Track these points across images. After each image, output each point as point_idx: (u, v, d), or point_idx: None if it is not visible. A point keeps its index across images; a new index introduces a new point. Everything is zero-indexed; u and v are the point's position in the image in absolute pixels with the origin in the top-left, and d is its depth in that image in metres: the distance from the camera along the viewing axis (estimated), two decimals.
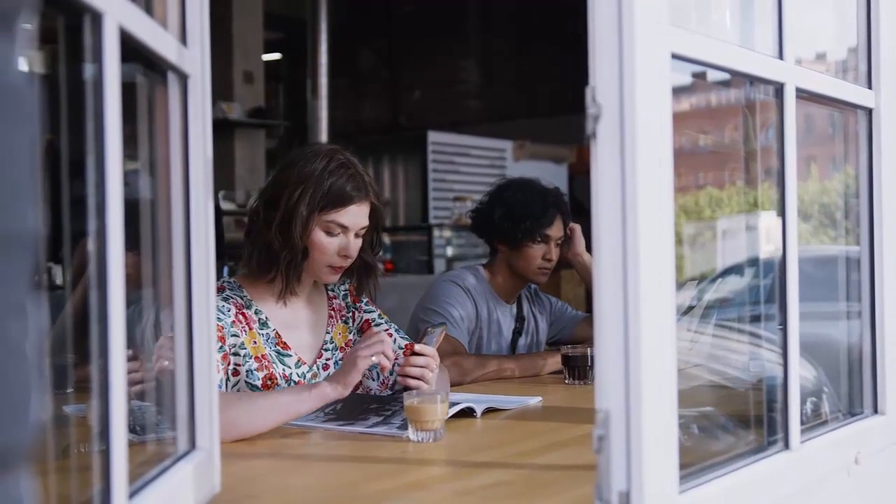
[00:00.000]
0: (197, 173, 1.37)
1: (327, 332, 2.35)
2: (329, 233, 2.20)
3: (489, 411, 2.18)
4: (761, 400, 1.68)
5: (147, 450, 1.40)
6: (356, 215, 2.22)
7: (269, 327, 2.23)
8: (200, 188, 1.37)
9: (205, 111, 1.39)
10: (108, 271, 1.01)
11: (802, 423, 1.56)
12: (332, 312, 2.39)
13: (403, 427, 1.91)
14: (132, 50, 1.12)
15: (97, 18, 1.00)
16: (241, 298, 2.23)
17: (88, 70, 1.02)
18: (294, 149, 2.32)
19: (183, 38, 1.35)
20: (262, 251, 2.21)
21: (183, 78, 1.35)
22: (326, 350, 2.34)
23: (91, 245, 1.01)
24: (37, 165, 0.59)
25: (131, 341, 1.08)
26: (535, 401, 2.35)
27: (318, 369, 2.29)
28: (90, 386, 1.08)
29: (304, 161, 2.20)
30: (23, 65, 0.59)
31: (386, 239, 7.76)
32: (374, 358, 1.98)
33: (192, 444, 1.37)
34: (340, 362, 2.30)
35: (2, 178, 0.56)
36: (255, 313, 2.23)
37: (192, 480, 1.31)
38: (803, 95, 1.59)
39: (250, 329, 2.19)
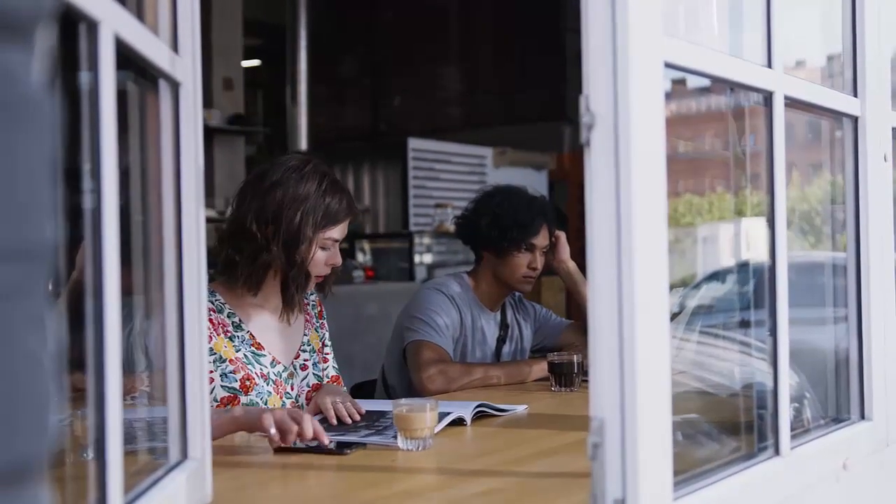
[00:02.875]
0: (189, 181, 1.36)
1: (304, 335, 2.43)
2: (324, 248, 2.30)
3: (479, 417, 2.18)
4: (750, 406, 1.69)
5: (138, 459, 1.39)
6: (345, 228, 2.34)
7: (243, 329, 2.29)
8: (192, 196, 1.37)
9: (196, 119, 1.38)
10: (104, 279, 1.00)
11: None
12: (308, 317, 2.47)
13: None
14: (124, 57, 1.11)
15: (93, 27, 0.99)
16: (213, 303, 2.26)
17: (83, 78, 1.02)
18: (271, 162, 2.33)
19: (175, 46, 1.34)
20: (261, 269, 2.26)
21: (175, 86, 1.34)
22: (304, 351, 2.41)
23: (87, 253, 1.00)
24: (54, 177, 0.59)
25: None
26: (521, 409, 2.35)
27: (294, 369, 2.37)
28: (77, 395, 1.07)
29: (296, 183, 2.25)
30: (40, 75, 0.59)
31: (366, 246, 7.74)
32: (272, 431, 1.82)
33: (184, 455, 1.36)
34: (317, 364, 2.42)
35: (20, 189, 0.56)
36: (228, 317, 2.28)
37: (184, 490, 1.30)
38: (790, 103, 1.60)
39: (218, 334, 2.24)
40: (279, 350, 2.34)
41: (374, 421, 2.13)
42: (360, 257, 7.52)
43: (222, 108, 7.74)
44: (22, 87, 0.56)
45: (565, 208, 7.69)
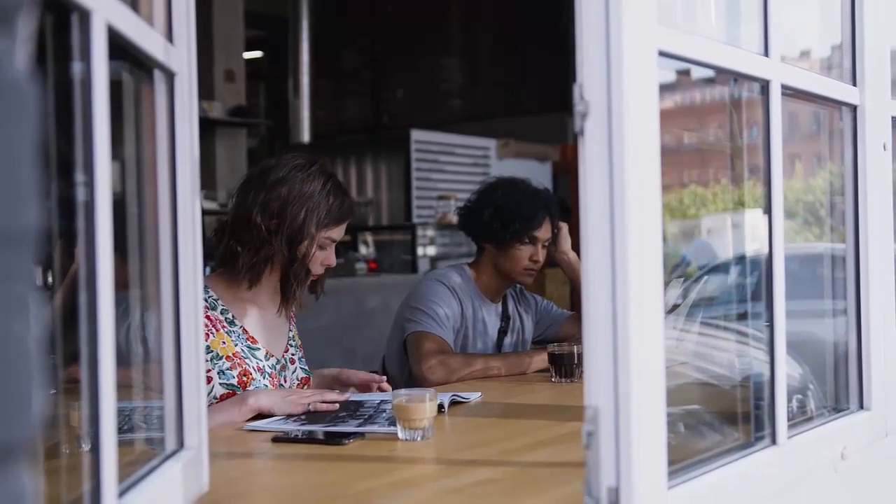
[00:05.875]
0: (184, 172, 1.36)
1: (290, 330, 2.48)
2: (321, 247, 2.33)
3: (454, 404, 2.24)
4: (748, 396, 1.68)
5: (134, 449, 1.40)
6: (343, 230, 2.39)
7: (236, 325, 2.32)
8: (187, 188, 1.37)
9: (192, 110, 1.38)
10: (97, 272, 1.00)
11: (789, 419, 1.56)
12: (292, 315, 2.51)
13: (392, 423, 1.91)
14: (118, 47, 1.11)
15: (85, 16, 0.99)
16: (206, 300, 2.27)
17: (76, 68, 1.02)
18: (275, 158, 2.36)
19: (169, 36, 1.34)
20: (262, 262, 2.29)
21: (170, 76, 1.34)
22: (291, 345, 2.47)
23: (79, 246, 1.01)
24: (37, 163, 0.59)
25: (116, 342, 1.07)
26: (476, 395, 2.39)
27: (286, 362, 2.42)
28: (74, 387, 1.07)
29: (301, 181, 2.29)
30: (22, 63, 0.59)
31: (369, 238, 7.75)
32: (310, 407, 2.14)
33: (181, 444, 1.36)
34: (303, 359, 2.48)
35: (3, 175, 0.56)
36: (221, 313, 2.31)
37: (180, 479, 1.31)
38: (788, 92, 1.59)
39: (217, 331, 2.27)
40: (270, 344, 2.38)
41: (354, 411, 2.13)
42: (362, 250, 7.52)
43: (224, 100, 7.74)
44: (4, 74, 0.57)
45: (569, 200, 7.68)
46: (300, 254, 2.29)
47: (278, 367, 2.37)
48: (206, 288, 2.30)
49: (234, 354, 2.26)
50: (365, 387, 2.44)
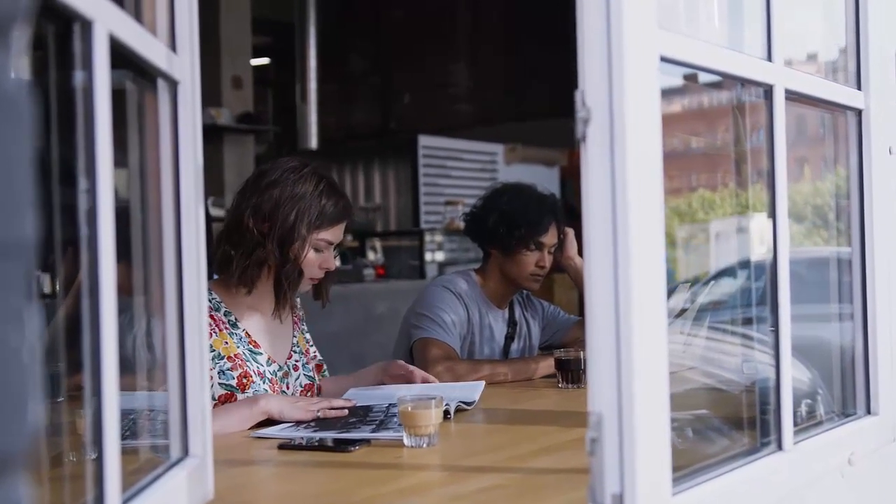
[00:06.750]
0: (188, 180, 1.37)
1: (293, 336, 2.47)
2: (317, 249, 2.33)
3: (459, 411, 2.23)
4: (754, 402, 1.68)
5: (140, 457, 1.40)
6: (341, 232, 2.37)
7: (239, 328, 2.32)
8: (191, 195, 1.37)
9: (195, 118, 1.39)
10: (100, 279, 1.01)
11: (797, 424, 1.56)
12: (296, 320, 2.51)
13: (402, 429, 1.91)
14: (121, 56, 1.12)
15: (87, 26, 0.99)
16: (210, 302, 2.27)
17: (78, 77, 1.02)
18: (271, 162, 2.37)
19: (172, 45, 1.35)
20: (256, 265, 2.29)
21: (173, 84, 1.34)
22: (295, 352, 2.46)
23: (83, 253, 1.01)
24: (33, 173, 0.60)
25: (123, 350, 1.08)
26: (479, 386, 2.43)
27: (289, 368, 2.41)
28: (81, 394, 1.07)
29: (293, 182, 2.30)
30: (18, 73, 0.59)
31: (377, 244, 7.75)
32: (319, 413, 2.14)
33: (185, 451, 1.37)
34: (307, 366, 2.47)
35: (1, 187, 0.56)
36: (225, 315, 2.32)
37: (185, 487, 1.31)
38: (792, 97, 1.59)
39: (220, 331, 2.28)
40: (273, 350, 2.38)
41: (364, 416, 2.13)
42: (370, 255, 7.52)
43: (231, 106, 7.73)
44: (0, 85, 0.57)
45: (577, 205, 7.66)
46: (292, 255, 2.28)
47: (280, 373, 2.37)
48: (209, 291, 2.30)
49: (235, 356, 2.27)
50: (405, 378, 2.47)
